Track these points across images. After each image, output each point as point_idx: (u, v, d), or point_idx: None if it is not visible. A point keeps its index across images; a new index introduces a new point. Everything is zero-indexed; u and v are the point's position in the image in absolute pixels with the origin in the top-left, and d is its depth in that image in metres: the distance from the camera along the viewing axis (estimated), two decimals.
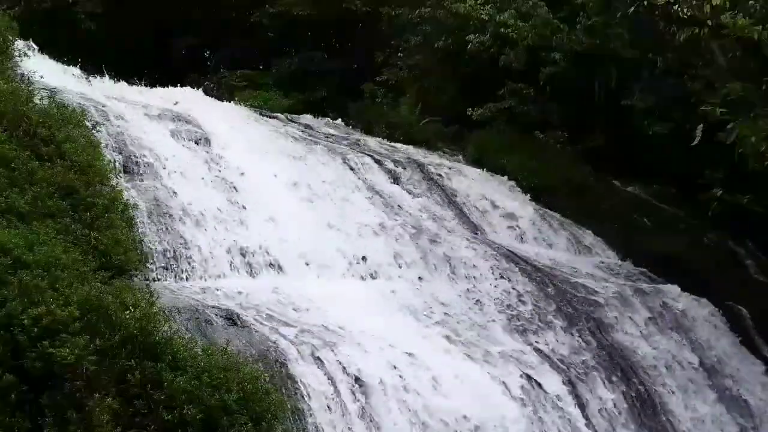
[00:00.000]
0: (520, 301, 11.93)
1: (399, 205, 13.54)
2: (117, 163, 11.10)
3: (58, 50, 15.50)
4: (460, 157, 17.53)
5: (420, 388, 9.06)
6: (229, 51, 24.21)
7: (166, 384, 7.05)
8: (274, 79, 22.75)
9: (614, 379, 11.33)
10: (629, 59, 17.09)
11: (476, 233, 13.85)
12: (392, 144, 17.03)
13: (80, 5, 23.09)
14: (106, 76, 15.74)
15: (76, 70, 14.95)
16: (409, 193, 14.13)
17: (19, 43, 12.50)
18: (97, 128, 11.06)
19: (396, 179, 14.42)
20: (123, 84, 15.74)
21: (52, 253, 7.69)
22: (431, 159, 16.45)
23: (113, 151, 11.30)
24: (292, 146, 14.30)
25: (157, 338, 7.35)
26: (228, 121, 14.42)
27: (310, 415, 8.16)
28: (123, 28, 22.82)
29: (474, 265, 12.42)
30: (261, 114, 16.30)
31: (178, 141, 12.66)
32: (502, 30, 17.83)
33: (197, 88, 17.92)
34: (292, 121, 16.71)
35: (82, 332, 6.99)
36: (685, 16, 11.32)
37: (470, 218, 14.38)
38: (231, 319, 8.87)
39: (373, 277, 11.49)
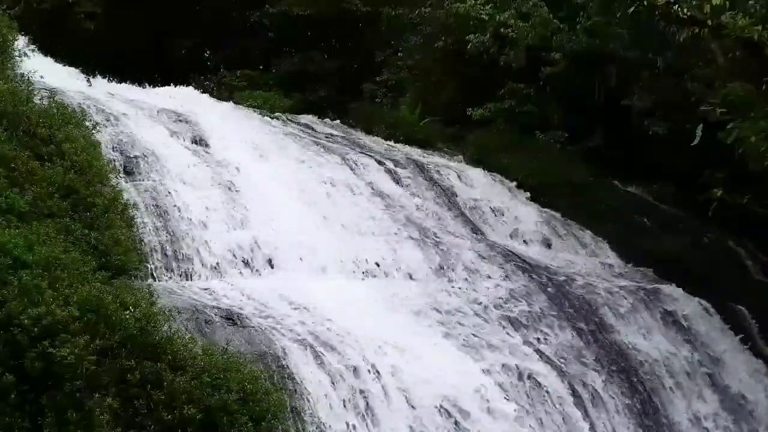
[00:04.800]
0: (520, 300, 11.93)
1: (399, 205, 13.53)
2: (117, 163, 11.11)
3: (58, 50, 15.51)
4: (460, 157, 17.54)
5: (420, 388, 9.06)
6: (229, 51, 24.21)
7: (166, 384, 7.06)
8: (274, 79, 22.75)
9: (614, 378, 11.33)
10: (629, 59, 17.09)
11: (476, 233, 13.85)
12: (392, 144, 17.03)
13: (80, 5, 23.09)
14: (106, 76, 15.75)
15: (76, 70, 14.97)
16: (410, 193, 14.13)
17: (19, 43, 12.49)
18: (97, 128, 11.04)
19: (396, 179, 14.41)
20: (123, 84, 15.75)
21: (52, 253, 7.69)
22: (431, 159, 16.46)
23: (113, 151, 11.31)
24: (292, 146, 14.30)
25: (157, 338, 7.35)
26: (228, 121, 14.42)
27: (310, 415, 8.16)
28: (123, 28, 22.81)
29: (474, 265, 12.42)
30: (261, 114, 16.30)
31: (178, 141, 12.66)
32: (502, 30, 17.83)
33: (197, 88, 17.92)
34: (292, 121, 16.71)
35: (82, 332, 6.99)
36: (685, 16, 11.29)
37: (470, 218, 14.38)
38: (231, 319, 8.87)
39: (373, 276, 11.49)
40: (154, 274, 9.74)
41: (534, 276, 12.70)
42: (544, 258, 13.84)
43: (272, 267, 10.81)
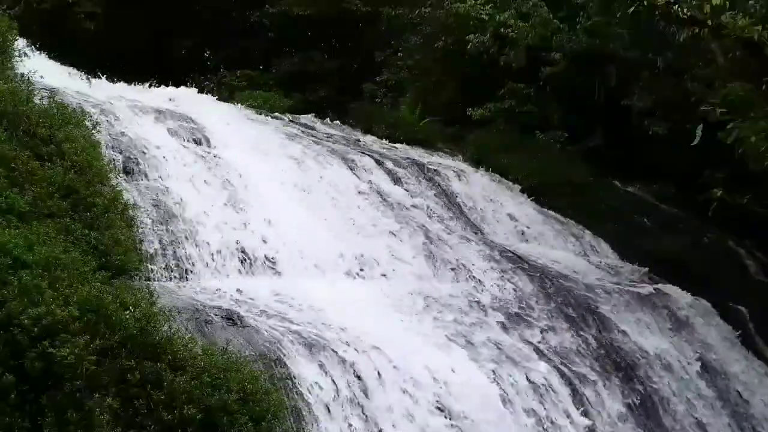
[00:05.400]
0: (519, 300, 11.93)
1: (399, 205, 13.53)
2: (117, 163, 11.10)
3: (58, 50, 15.50)
4: (460, 157, 17.55)
5: (420, 388, 9.06)
6: (229, 51, 24.22)
7: (166, 384, 7.05)
8: (274, 79, 22.77)
9: (614, 378, 11.33)
10: (629, 59, 17.10)
11: (476, 233, 13.85)
12: (392, 144, 17.04)
13: (80, 5, 23.11)
14: (106, 75, 15.75)
15: (76, 71, 14.96)
16: (409, 193, 14.13)
17: (19, 43, 12.48)
18: (97, 128, 11.04)
19: (396, 179, 14.41)
20: (123, 84, 15.74)
21: (52, 253, 7.68)
22: (431, 159, 16.46)
23: (113, 151, 11.30)
24: (292, 146, 14.29)
25: (157, 338, 7.34)
26: (228, 121, 14.42)
27: (310, 415, 8.16)
28: (123, 28, 22.82)
29: (474, 265, 12.43)
30: (261, 114, 16.30)
31: (178, 141, 12.65)
32: (502, 30, 17.85)
33: (197, 88, 17.93)
34: (292, 121, 16.71)
35: (82, 332, 6.98)
36: (685, 16, 11.30)
37: (470, 218, 14.39)
38: (231, 319, 8.87)
39: (372, 276, 11.49)
40: (154, 274, 9.73)
41: (533, 275, 12.70)
42: (544, 258, 13.84)
43: (272, 267, 10.80)
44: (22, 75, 11.20)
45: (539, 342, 11.26)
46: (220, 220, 11.04)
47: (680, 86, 15.86)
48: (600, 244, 15.35)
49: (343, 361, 8.86)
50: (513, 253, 13.34)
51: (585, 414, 10.40)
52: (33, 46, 13.27)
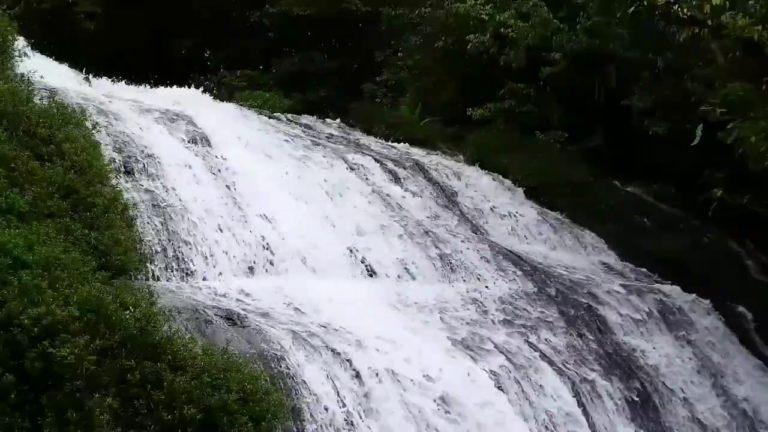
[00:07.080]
0: (520, 301, 11.93)
1: (399, 205, 13.53)
2: (117, 163, 11.09)
3: (58, 50, 15.51)
4: (460, 157, 17.56)
5: (420, 388, 9.06)
6: (229, 51, 24.23)
7: (165, 384, 7.05)
8: (274, 79, 22.77)
9: (614, 378, 11.34)
10: (629, 59, 17.12)
11: (476, 233, 13.85)
12: (392, 144, 17.05)
13: (80, 5, 23.11)
14: (106, 75, 15.75)
15: (76, 71, 14.96)
16: (410, 193, 14.13)
17: (19, 43, 12.47)
18: (97, 128, 11.03)
19: (396, 179, 14.42)
20: (123, 84, 15.75)
21: (52, 253, 7.68)
22: (431, 159, 16.46)
23: (113, 151, 11.28)
24: (292, 146, 14.29)
25: (157, 338, 7.34)
26: (228, 121, 14.40)
27: (310, 415, 8.16)
28: (123, 28, 22.81)
29: (474, 265, 12.43)
30: (261, 114, 16.30)
31: (177, 141, 12.65)
32: (502, 30, 17.85)
33: (197, 88, 17.92)
34: (292, 121, 16.71)
35: (82, 332, 6.98)
36: (685, 16, 11.32)
37: (470, 218, 14.39)
38: (231, 319, 8.87)
39: (372, 276, 11.49)
40: (155, 274, 9.73)
41: (534, 276, 12.71)
42: (544, 258, 13.85)
43: (272, 267, 10.80)
44: (22, 75, 11.20)
45: (540, 342, 11.26)
46: (221, 220, 11.04)
47: (680, 86, 15.87)
48: (600, 244, 15.36)
49: (343, 361, 8.86)
50: (513, 253, 13.35)
51: (586, 414, 10.40)
52: (33, 47, 13.26)
